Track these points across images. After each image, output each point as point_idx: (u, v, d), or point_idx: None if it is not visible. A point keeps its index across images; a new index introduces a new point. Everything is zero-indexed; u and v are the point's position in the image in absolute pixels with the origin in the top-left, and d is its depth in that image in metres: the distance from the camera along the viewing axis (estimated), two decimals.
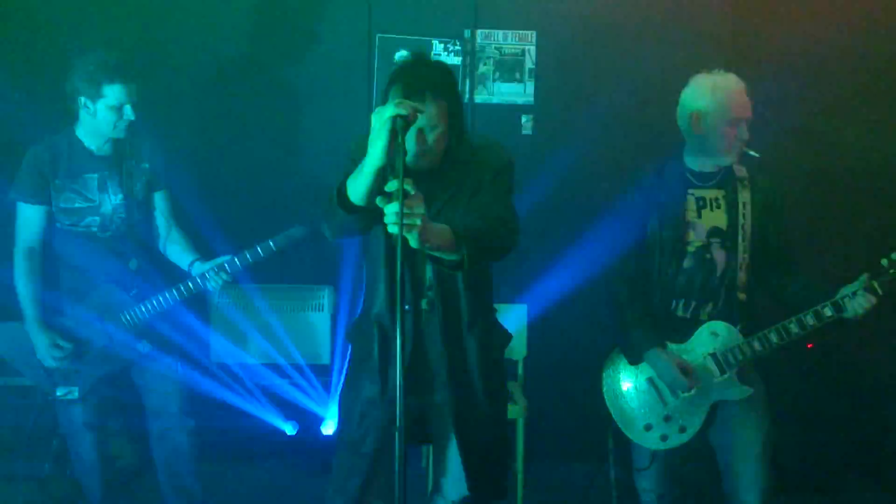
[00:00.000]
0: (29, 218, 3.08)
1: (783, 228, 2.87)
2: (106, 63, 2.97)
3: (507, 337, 2.54)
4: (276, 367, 3.89)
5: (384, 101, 2.12)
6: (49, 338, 3.06)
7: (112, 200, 3.09)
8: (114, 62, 2.99)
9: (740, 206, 2.81)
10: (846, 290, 2.67)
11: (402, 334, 1.89)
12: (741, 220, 2.80)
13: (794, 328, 2.72)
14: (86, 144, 3.09)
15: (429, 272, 2.29)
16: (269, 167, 3.99)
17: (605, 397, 2.91)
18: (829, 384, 3.99)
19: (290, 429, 3.89)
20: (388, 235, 2.10)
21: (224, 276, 3.05)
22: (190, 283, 3.09)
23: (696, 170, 2.85)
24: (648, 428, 2.85)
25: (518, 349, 3.82)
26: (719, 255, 2.81)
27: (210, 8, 3.97)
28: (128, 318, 3.11)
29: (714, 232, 2.81)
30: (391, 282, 2.29)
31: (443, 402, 2.36)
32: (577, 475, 3.64)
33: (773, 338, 2.75)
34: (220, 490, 3.58)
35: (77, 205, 3.07)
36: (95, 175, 3.08)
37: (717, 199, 2.83)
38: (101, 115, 3.00)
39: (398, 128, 1.94)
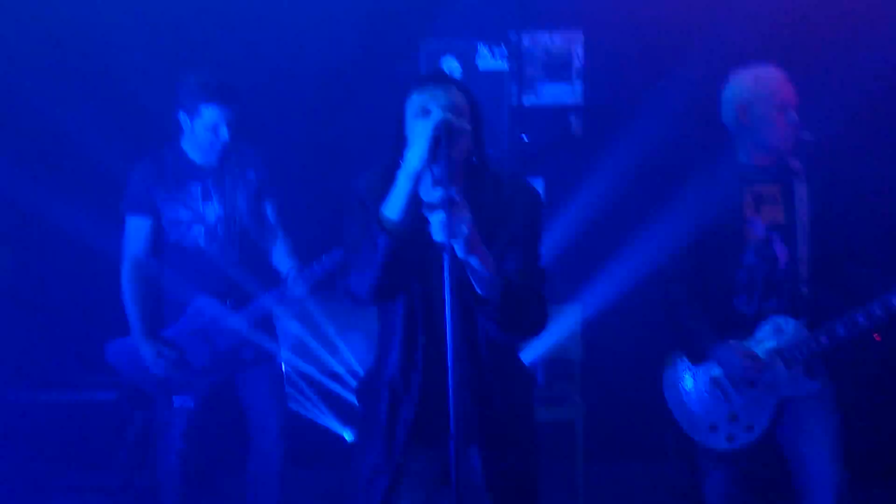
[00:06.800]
0: (135, 229, 3.15)
1: (844, 220, 2.81)
2: (206, 84, 3.00)
3: (532, 379, 2.34)
4: (335, 375, 3.94)
5: (400, 115, 2.07)
6: (154, 347, 3.13)
7: (216, 210, 3.14)
8: (214, 84, 3.01)
9: (797, 201, 2.76)
10: None
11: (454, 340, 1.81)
12: (799, 214, 2.75)
13: (861, 320, 2.65)
14: (190, 156, 3.15)
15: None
16: (317, 177, 4.02)
17: (667, 400, 2.87)
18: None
19: (349, 435, 3.93)
20: (407, 291, 2.06)
21: (300, 286, 3.10)
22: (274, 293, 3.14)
23: (750, 164, 2.81)
24: (714, 428, 2.80)
25: (574, 350, 3.81)
26: (781, 250, 2.76)
27: (265, 22, 4.01)
28: (228, 325, 3.14)
29: (773, 226, 2.77)
30: (408, 339, 2.14)
31: (471, 455, 2.18)
32: (637, 475, 3.62)
33: (840, 331, 2.68)
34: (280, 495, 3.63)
35: (182, 214, 3.12)
36: (199, 184, 3.13)
37: (773, 195, 2.79)
38: (197, 133, 3.06)
39: (442, 135, 1.90)
